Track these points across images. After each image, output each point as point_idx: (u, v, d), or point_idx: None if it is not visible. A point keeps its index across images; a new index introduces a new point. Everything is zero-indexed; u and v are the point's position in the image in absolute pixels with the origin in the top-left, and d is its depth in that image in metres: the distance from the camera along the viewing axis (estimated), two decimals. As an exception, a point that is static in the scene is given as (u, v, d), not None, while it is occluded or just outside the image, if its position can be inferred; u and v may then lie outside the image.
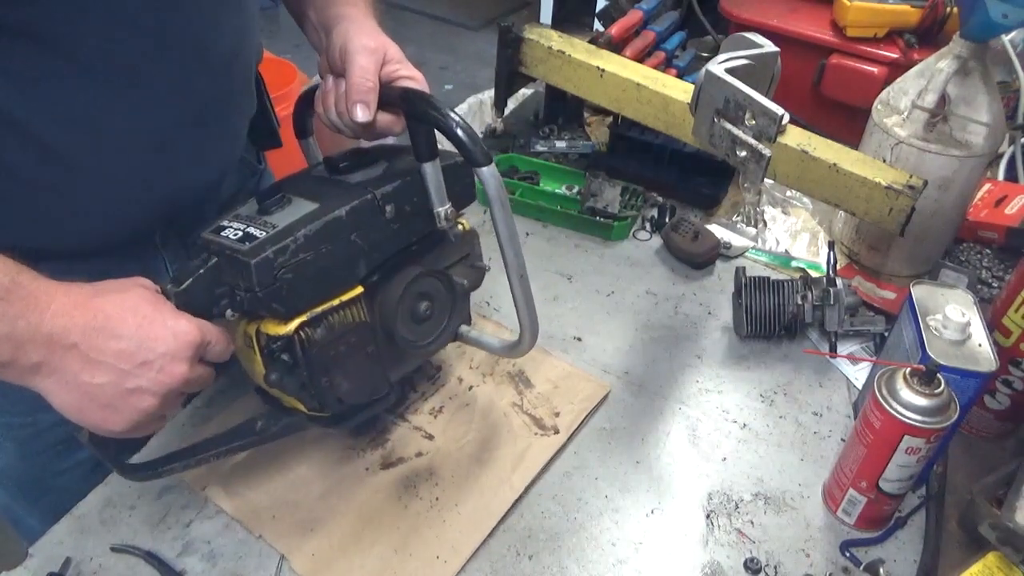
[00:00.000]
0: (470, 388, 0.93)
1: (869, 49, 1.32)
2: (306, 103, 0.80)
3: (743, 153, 0.87)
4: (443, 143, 0.69)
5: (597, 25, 1.38)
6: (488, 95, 1.44)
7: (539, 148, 1.32)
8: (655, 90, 1.04)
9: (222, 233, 0.67)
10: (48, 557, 0.74)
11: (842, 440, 0.89)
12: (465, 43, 4.38)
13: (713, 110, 0.90)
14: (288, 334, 0.67)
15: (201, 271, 0.65)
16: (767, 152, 0.84)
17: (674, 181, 1.25)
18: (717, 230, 1.16)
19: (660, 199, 1.24)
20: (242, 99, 0.86)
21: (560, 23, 1.28)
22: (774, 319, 0.98)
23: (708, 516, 0.80)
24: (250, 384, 0.77)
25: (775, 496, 0.82)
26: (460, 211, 0.76)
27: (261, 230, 0.65)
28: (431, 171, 0.70)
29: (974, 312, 0.77)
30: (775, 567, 0.76)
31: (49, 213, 0.73)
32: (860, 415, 0.75)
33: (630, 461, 0.86)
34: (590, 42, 1.14)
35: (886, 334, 0.96)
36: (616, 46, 1.23)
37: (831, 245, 1.01)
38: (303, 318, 0.67)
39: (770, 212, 1.24)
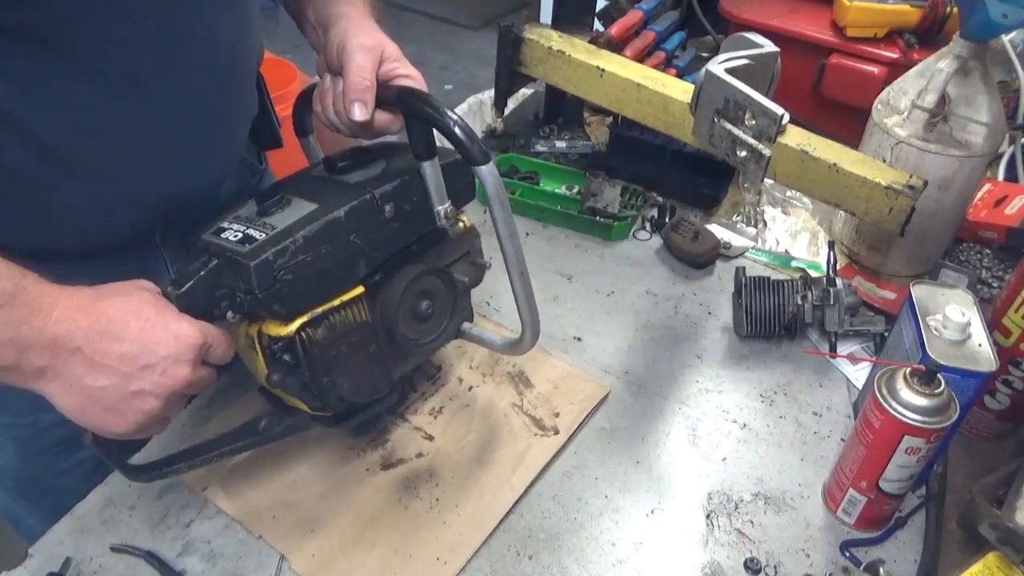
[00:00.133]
0: (470, 388, 0.93)
1: (869, 49, 1.32)
2: (305, 102, 0.80)
3: (743, 153, 0.87)
4: (442, 141, 0.69)
5: (597, 25, 1.38)
6: (488, 95, 1.44)
7: (539, 148, 1.32)
8: (655, 90, 1.04)
9: (222, 235, 0.67)
10: (48, 557, 0.74)
11: (842, 440, 0.89)
12: (465, 43, 4.38)
13: (713, 110, 0.90)
14: (289, 335, 0.67)
15: (201, 273, 0.65)
16: (767, 152, 0.84)
17: (674, 181, 1.24)
18: (717, 230, 1.16)
19: (660, 199, 1.24)
20: (243, 100, 0.86)
21: (560, 23, 1.28)
22: (774, 319, 0.98)
23: (708, 516, 0.80)
24: (253, 384, 0.77)
25: (775, 496, 0.82)
26: (460, 209, 0.75)
27: (261, 232, 0.65)
28: (430, 170, 0.70)
29: (974, 312, 0.77)
30: (775, 567, 0.76)
31: (49, 213, 0.73)
32: (860, 415, 0.75)
33: (630, 461, 0.86)
34: (590, 42, 1.14)
35: (886, 334, 0.96)
36: (616, 46, 1.23)
37: (831, 245, 1.01)
38: (304, 319, 0.67)
39: (770, 212, 1.24)
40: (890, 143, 1.01)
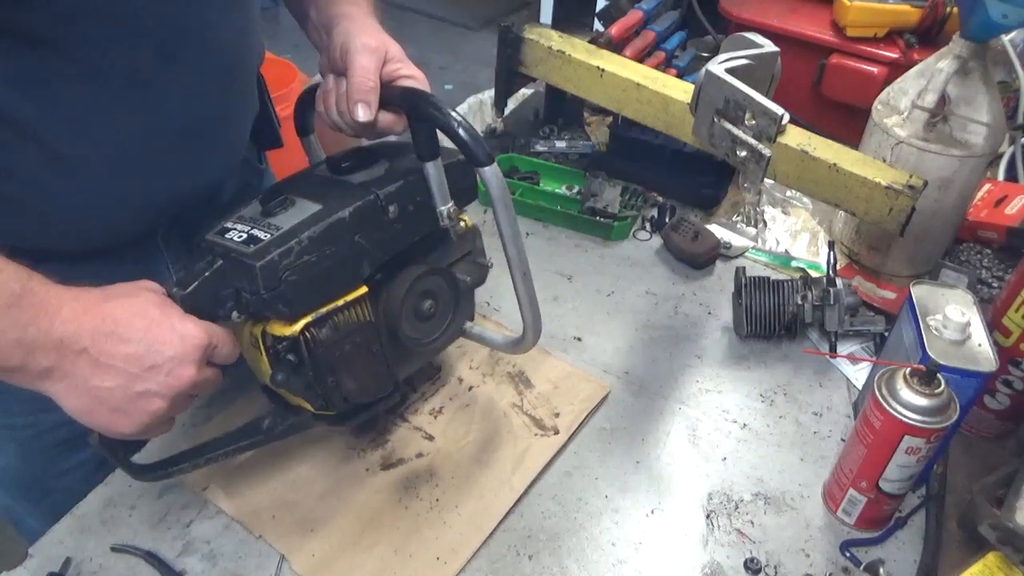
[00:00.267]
0: (470, 389, 0.93)
1: (869, 49, 1.32)
2: (307, 102, 0.80)
3: (743, 153, 0.87)
4: (443, 141, 0.69)
5: (597, 25, 1.38)
6: (488, 95, 1.44)
7: (539, 148, 1.32)
8: (655, 90, 1.04)
9: (226, 235, 0.67)
10: (48, 557, 0.74)
11: (842, 440, 0.89)
12: (465, 43, 4.38)
13: (713, 110, 0.90)
14: (294, 335, 0.67)
15: (206, 274, 0.65)
16: (767, 152, 0.84)
17: (674, 181, 1.25)
18: (717, 230, 1.17)
19: (660, 199, 1.24)
20: (245, 101, 0.86)
21: (560, 23, 1.28)
22: (774, 319, 0.98)
23: (708, 516, 0.80)
24: (255, 384, 0.77)
25: (775, 496, 0.82)
26: (462, 208, 0.76)
27: (265, 232, 0.66)
28: (433, 170, 0.70)
29: (974, 312, 0.77)
30: (775, 567, 0.76)
31: (50, 214, 0.73)
32: (860, 415, 0.75)
33: (630, 461, 0.86)
34: (590, 42, 1.14)
35: (886, 334, 0.96)
36: (616, 46, 1.23)
37: (831, 245, 1.01)
38: (308, 319, 0.67)
39: (770, 212, 1.24)
40: (890, 143, 1.01)
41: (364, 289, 0.71)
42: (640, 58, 1.26)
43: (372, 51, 0.73)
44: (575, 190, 1.25)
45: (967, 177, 1.00)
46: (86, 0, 0.62)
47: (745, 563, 0.76)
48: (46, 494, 0.92)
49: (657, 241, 1.18)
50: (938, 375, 0.69)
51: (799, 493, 0.83)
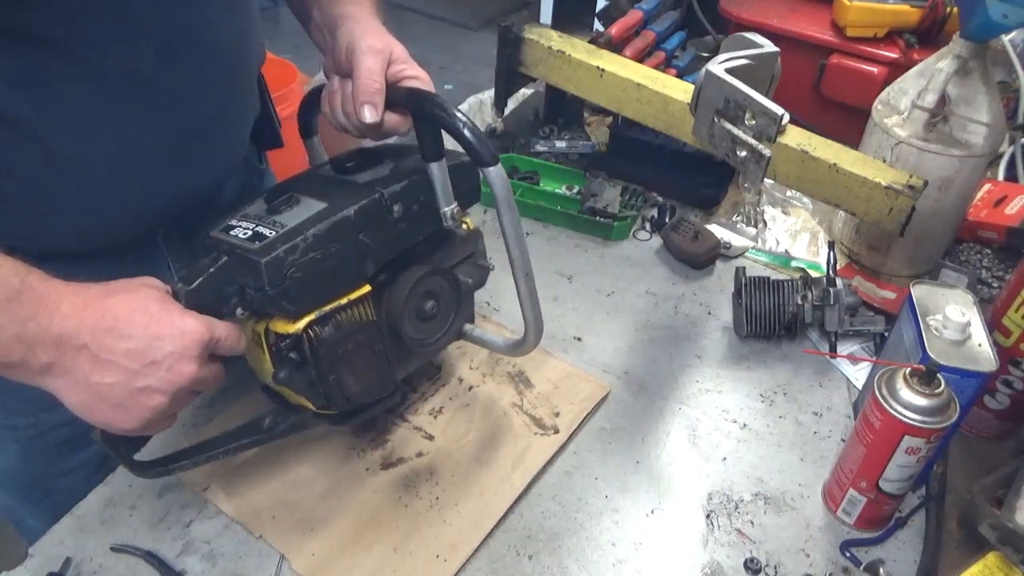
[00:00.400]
0: (470, 388, 0.93)
1: (869, 49, 1.32)
2: (312, 103, 0.81)
3: (743, 153, 0.87)
4: (447, 142, 0.69)
5: (597, 25, 1.38)
6: (488, 95, 1.44)
7: (539, 148, 1.32)
8: (655, 90, 1.04)
9: (231, 232, 0.67)
10: (48, 557, 0.74)
11: (842, 440, 0.89)
12: (465, 43, 4.38)
13: (713, 110, 0.90)
14: (297, 332, 0.67)
15: (211, 270, 0.65)
16: (767, 152, 0.84)
17: (674, 181, 1.25)
18: (717, 230, 1.17)
19: (660, 199, 1.24)
20: (245, 101, 0.86)
21: (560, 23, 1.28)
22: (774, 319, 0.98)
23: (708, 516, 0.80)
24: (257, 383, 0.77)
25: (775, 496, 0.82)
26: (465, 210, 0.76)
27: (270, 229, 0.66)
28: (437, 171, 0.70)
29: (974, 312, 0.77)
30: (775, 567, 0.76)
31: (51, 214, 0.73)
32: (860, 415, 0.75)
33: (630, 461, 0.86)
34: (590, 42, 1.14)
35: (886, 334, 0.96)
36: (616, 46, 1.23)
37: (831, 245, 1.01)
38: (312, 316, 0.67)
39: (770, 212, 1.24)
40: (890, 143, 1.01)
41: (367, 288, 0.71)
42: (640, 58, 1.26)
43: (377, 52, 0.73)
44: (575, 190, 1.25)
45: (967, 177, 1.00)
46: (86, 0, 0.62)
47: (745, 563, 0.76)
48: (47, 494, 0.92)
49: (657, 241, 1.18)
50: (938, 375, 0.69)
51: (799, 493, 0.83)
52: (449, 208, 0.72)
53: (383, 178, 0.73)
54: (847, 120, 1.21)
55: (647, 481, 0.84)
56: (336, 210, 0.67)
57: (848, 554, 0.77)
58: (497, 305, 1.05)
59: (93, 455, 0.91)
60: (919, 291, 0.80)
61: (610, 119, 1.37)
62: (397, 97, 0.73)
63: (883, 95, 1.05)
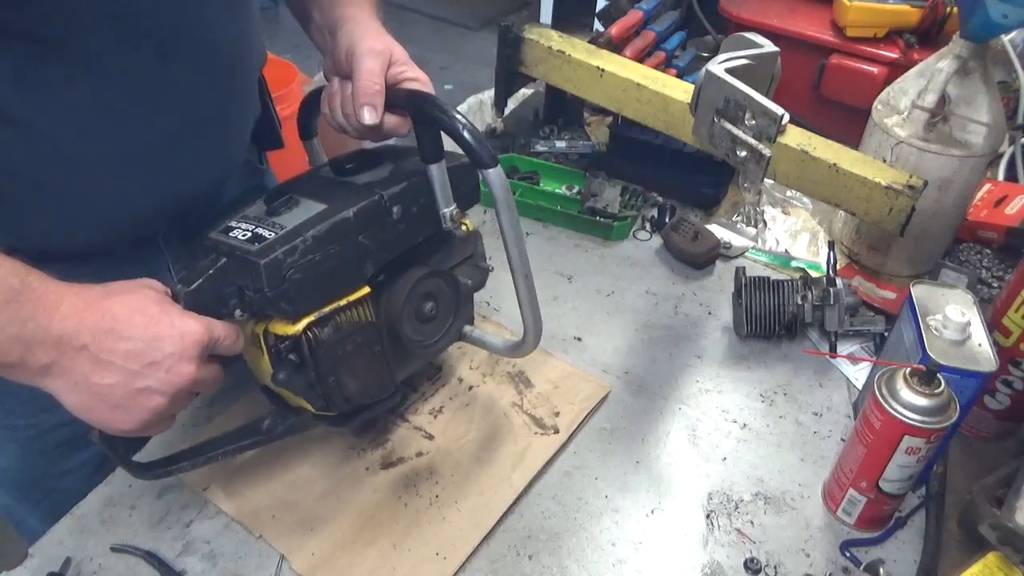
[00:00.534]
0: (470, 388, 0.93)
1: (869, 49, 1.32)
2: (312, 105, 0.81)
3: (743, 153, 0.87)
4: (447, 143, 0.69)
5: (597, 25, 1.38)
6: (488, 95, 1.44)
7: (539, 148, 1.32)
8: (655, 90, 1.04)
9: (231, 234, 0.67)
10: (48, 557, 0.74)
11: (842, 440, 0.89)
12: (465, 43, 4.38)
13: (713, 110, 0.90)
14: (296, 334, 0.67)
15: (211, 271, 0.65)
16: (767, 152, 0.84)
17: (674, 181, 1.25)
18: (717, 230, 1.17)
19: (660, 199, 1.24)
20: (245, 102, 0.86)
21: (560, 23, 1.28)
22: (774, 319, 0.98)
23: (708, 516, 0.80)
24: (256, 384, 0.77)
25: (775, 496, 0.82)
26: (464, 211, 0.76)
27: (270, 231, 0.66)
28: (437, 172, 0.70)
29: (974, 312, 0.77)
30: (775, 567, 0.76)
31: (53, 214, 0.73)
32: (860, 415, 0.75)
33: (630, 461, 0.86)
34: (590, 42, 1.14)
35: (886, 334, 0.96)
36: (616, 46, 1.23)
37: (831, 245, 1.01)
38: (311, 318, 0.67)
39: (770, 212, 1.24)
40: (890, 143, 1.01)
41: (367, 289, 0.71)
42: (640, 58, 1.26)
43: (377, 54, 0.73)
44: (575, 190, 1.25)
45: (967, 177, 1.00)
46: (86, 0, 0.62)
47: (745, 563, 0.76)
48: (46, 494, 0.92)
49: (657, 241, 1.18)
50: (938, 375, 0.69)
51: (799, 493, 0.83)
52: (448, 210, 0.72)
53: (382, 180, 0.73)
54: (847, 120, 1.21)
55: (647, 481, 0.84)
56: (335, 212, 0.67)
57: (848, 554, 0.77)
58: (497, 305, 1.05)
59: (93, 455, 0.91)
60: (919, 291, 0.80)
61: (610, 119, 1.37)
62: (397, 99, 0.73)
63: (883, 95, 1.05)
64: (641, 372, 0.97)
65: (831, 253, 0.99)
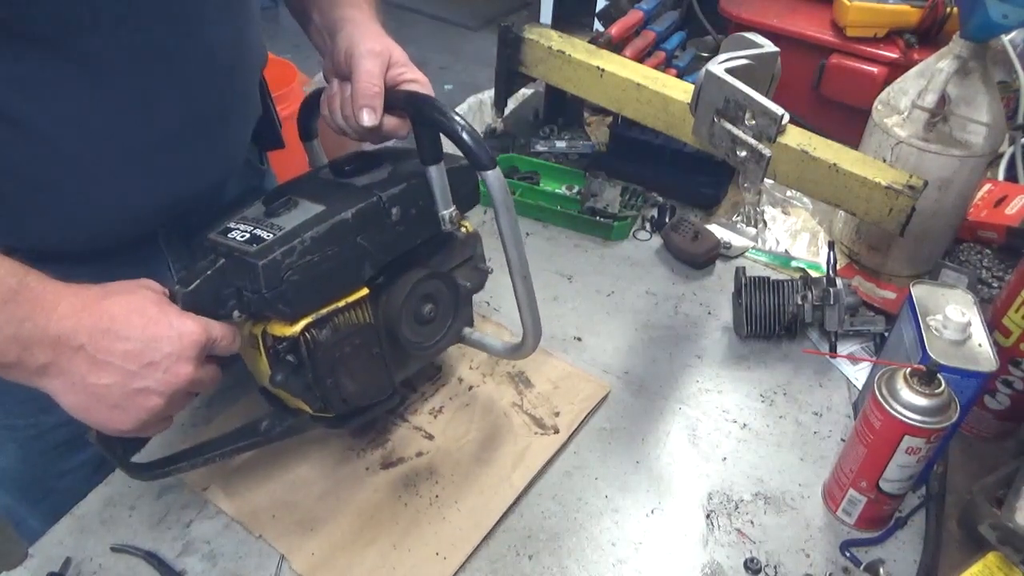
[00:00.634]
0: (470, 388, 0.93)
1: (869, 49, 1.32)
2: (312, 106, 0.81)
3: (743, 153, 0.87)
4: (447, 146, 0.69)
5: (597, 25, 1.38)
6: (488, 95, 1.44)
7: (539, 148, 1.32)
8: (655, 90, 1.04)
9: (229, 235, 0.67)
10: (48, 557, 0.74)
11: (842, 440, 0.89)
12: (465, 43, 4.38)
13: (713, 110, 0.90)
14: (294, 335, 0.67)
15: (209, 272, 0.65)
16: (767, 152, 0.84)
17: (674, 181, 1.24)
18: (717, 230, 1.17)
19: (660, 199, 1.24)
20: (246, 104, 0.86)
21: (560, 23, 1.28)
22: (774, 319, 0.98)
23: (708, 516, 0.80)
24: (254, 385, 0.77)
25: (775, 496, 0.82)
26: (464, 214, 0.76)
27: (268, 232, 0.66)
28: (436, 174, 0.70)
29: (974, 312, 0.77)
30: (775, 567, 0.76)
31: (53, 214, 0.73)
32: (860, 415, 0.75)
33: (630, 461, 0.86)
34: (590, 42, 1.14)
35: (886, 334, 0.96)
36: (616, 46, 1.23)
37: (831, 245, 1.01)
38: (309, 319, 0.67)
39: (770, 212, 1.24)
40: (890, 143, 1.01)
41: (365, 291, 0.71)
42: (640, 58, 1.26)
43: (377, 56, 0.73)
44: (575, 190, 1.25)
45: (967, 177, 1.00)
46: (86, 1, 0.62)
47: (745, 563, 0.76)
48: (46, 494, 0.92)
49: (657, 241, 1.18)
50: (938, 375, 0.69)
51: (799, 493, 0.83)
52: (448, 211, 0.72)
53: (381, 181, 0.73)
54: (847, 120, 1.21)
55: (647, 481, 0.84)
56: (334, 213, 0.67)
57: (848, 554, 0.77)
58: (497, 305, 1.05)
59: (93, 455, 0.91)
60: (919, 291, 0.80)
61: (610, 119, 1.37)
62: (396, 100, 0.73)
63: (883, 95, 1.05)
64: (641, 372, 0.97)
65: (831, 253, 0.99)
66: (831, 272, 0.98)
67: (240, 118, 0.86)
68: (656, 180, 1.25)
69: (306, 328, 0.67)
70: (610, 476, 0.84)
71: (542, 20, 1.27)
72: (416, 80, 0.75)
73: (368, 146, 0.80)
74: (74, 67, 0.64)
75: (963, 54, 0.95)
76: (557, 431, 0.87)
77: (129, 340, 0.59)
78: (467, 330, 0.84)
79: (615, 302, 1.07)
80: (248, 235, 0.66)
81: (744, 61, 0.91)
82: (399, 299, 0.74)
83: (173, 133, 0.74)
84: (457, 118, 0.66)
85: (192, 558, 0.75)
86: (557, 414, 0.89)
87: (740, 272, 1.01)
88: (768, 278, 1.00)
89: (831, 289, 0.97)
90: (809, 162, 0.95)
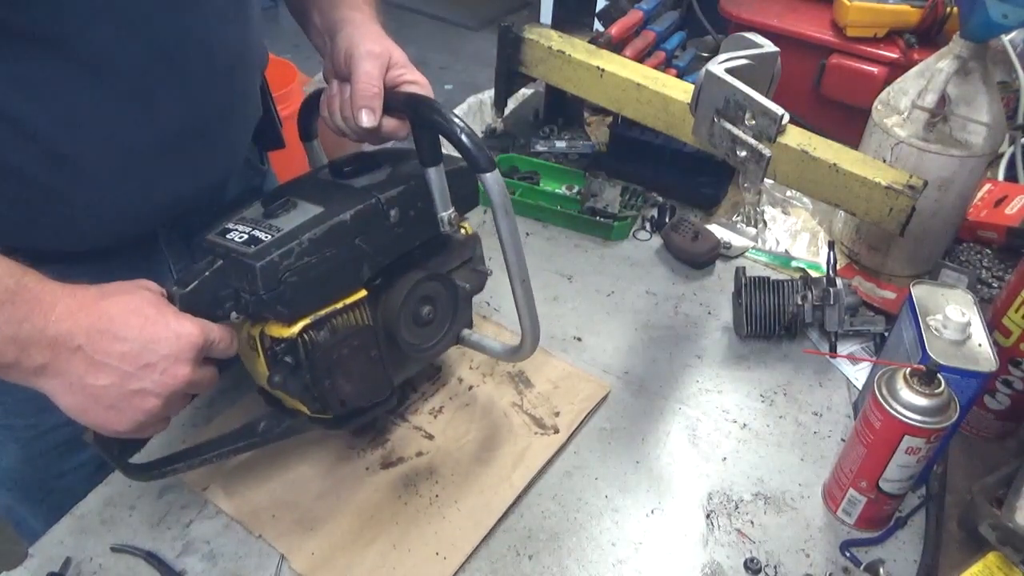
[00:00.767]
0: (470, 388, 0.93)
1: (869, 49, 1.32)
2: (311, 107, 0.81)
3: (743, 153, 0.87)
4: (446, 147, 0.69)
5: (597, 25, 1.38)
6: (488, 95, 1.44)
7: (539, 148, 1.32)
8: (655, 90, 1.04)
9: (227, 236, 0.67)
10: (48, 557, 0.74)
11: (842, 440, 0.89)
12: (465, 43, 4.38)
13: (713, 110, 0.90)
14: (292, 337, 0.67)
15: (207, 273, 0.65)
16: (767, 152, 0.84)
17: (674, 181, 1.24)
18: (717, 230, 1.16)
19: (660, 199, 1.24)
20: (246, 104, 0.86)
21: (560, 23, 1.28)
22: (774, 319, 0.98)
23: (708, 516, 0.80)
24: (252, 386, 0.77)
25: (775, 496, 0.82)
26: (463, 215, 0.76)
27: (266, 233, 0.66)
28: (435, 176, 0.70)
29: (974, 312, 0.77)
30: (775, 567, 0.76)
31: (54, 215, 0.73)
32: (860, 415, 0.75)
33: (630, 461, 0.86)
34: (590, 42, 1.14)
35: (886, 334, 0.96)
36: (616, 46, 1.23)
37: (831, 245, 1.01)
38: (307, 321, 0.67)
39: (770, 212, 1.24)
40: (890, 143, 1.01)
41: (363, 292, 0.71)
42: (640, 58, 1.26)
43: (376, 57, 0.73)
44: (575, 190, 1.25)
45: (967, 177, 1.00)
46: (87, 1, 0.62)
47: (745, 563, 0.76)
48: (47, 494, 0.92)
49: (657, 241, 1.18)
50: (938, 375, 0.69)
51: (799, 493, 0.83)
52: (447, 213, 0.72)
53: (380, 183, 0.73)
54: (847, 120, 1.21)
55: (647, 481, 0.84)
56: (332, 214, 0.67)
57: (848, 554, 0.77)
58: (497, 305, 1.05)
59: (93, 455, 0.91)
60: (919, 291, 0.80)
61: (610, 119, 1.37)
62: (395, 102, 0.73)
63: (883, 95, 1.05)
64: (641, 372, 0.97)
65: (831, 253, 0.99)
66: (831, 272, 0.98)
67: (241, 118, 0.86)
68: (656, 180, 1.25)
69: (304, 330, 0.67)
70: (610, 476, 0.84)
71: (542, 20, 1.27)
72: (416, 82, 0.75)
73: (367, 147, 0.80)
74: (74, 67, 0.64)
75: (963, 54, 0.95)
76: (557, 431, 0.87)
77: (127, 341, 0.59)
78: (466, 332, 0.84)
79: (615, 302, 1.07)
80: (246, 236, 0.66)
81: (744, 61, 0.91)
82: (398, 301, 0.74)
83: (173, 133, 0.74)
84: (456, 120, 0.66)
85: (192, 558, 0.75)
86: (557, 414, 0.89)
87: (740, 272, 1.01)
88: (768, 278, 1.00)
89: (831, 289, 0.97)
90: (809, 162, 0.95)
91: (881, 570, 0.73)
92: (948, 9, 1.28)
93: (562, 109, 1.35)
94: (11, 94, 0.63)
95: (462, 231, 0.79)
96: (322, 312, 0.68)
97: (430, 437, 0.87)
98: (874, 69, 1.31)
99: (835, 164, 0.94)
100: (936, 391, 0.68)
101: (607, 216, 1.17)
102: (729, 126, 0.88)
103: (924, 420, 0.68)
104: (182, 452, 0.73)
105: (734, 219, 1.22)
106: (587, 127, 1.40)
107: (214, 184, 0.85)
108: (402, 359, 0.80)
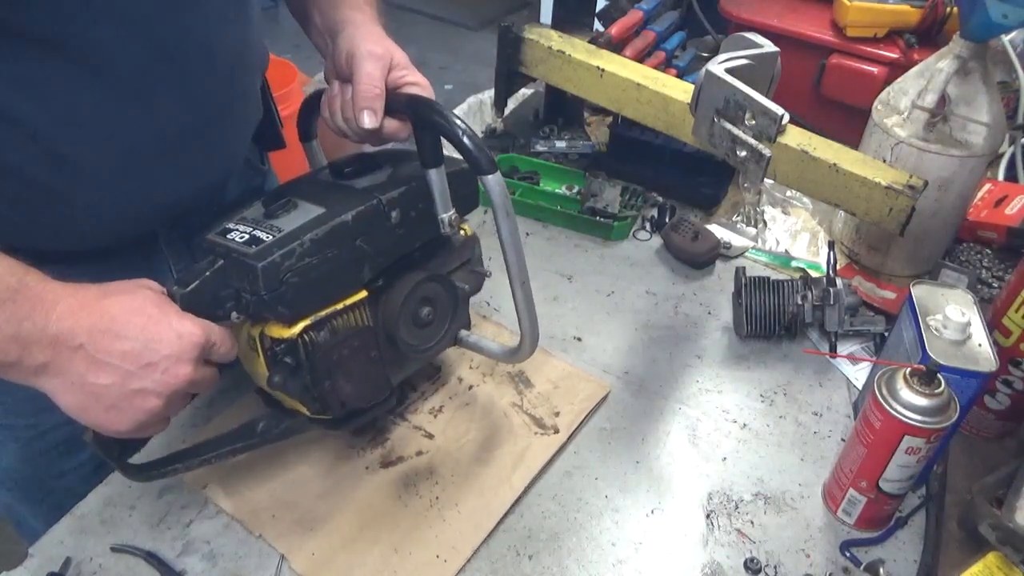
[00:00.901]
0: (470, 388, 0.93)
1: (869, 49, 1.32)
2: (312, 107, 0.81)
3: (743, 153, 0.87)
4: (447, 148, 0.69)
5: (597, 25, 1.38)
6: (488, 95, 1.44)
7: (539, 148, 1.32)
8: (655, 90, 1.04)
9: (228, 236, 0.67)
10: (48, 557, 0.74)
11: (842, 440, 0.89)
12: (465, 43, 4.38)
13: (713, 110, 0.90)
14: (292, 337, 0.67)
15: (207, 273, 0.65)
16: (767, 152, 0.84)
17: (674, 181, 1.25)
18: (717, 230, 1.17)
19: (660, 199, 1.24)
20: (247, 104, 0.86)
21: (560, 23, 1.28)
22: (774, 319, 0.98)
23: (708, 516, 0.80)
24: (252, 386, 0.77)
25: (775, 496, 0.82)
26: (463, 217, 0.76)
27: (267, 234, 0.66)
28: (436, 177, 0.70)
29: (974, 312, 0.77)
30: (775, 567, 0.76)
31: (54, 215, 0.73)
32: (860, 415, 0.75)
33: (630, 461, 0.86)
34: (590, 42, 1.14)
35: (886, 334, 0.96)
36: (616, 46, 1.23)
37: (831, 245, 1.01)
38: (307, 321, 0.67)
39: (770, 212, 1.24)
40: (890, 143, 1.01)
41: (363, 293, 0.71)
42: (640, 58, 1.26)
43: (378, 58, 0.73)
44: (575, 190, 1.25)
45: (967, 177, 1.00)
46: (87, 1, 0.62)
47: (745, 563, 0.76)
48: (47, 494, 0.92)
49: (657, 241, 1.18)
50: (938, 375, 0.69)
51: (799, 493, 0.83)
52: (447, 215, 0.72)
53: (381, 184, 0.73)
54: (847, 120, 1.21)
55: (647, 481, 0.84)
56: (334, 215, 0.67)
57: (848, 554, 0.77)
58: (497, 305, 1.05)
59: (92, 455, 0.90)
60: (919, 291, 0.80)
61: (610, 119, 1.37)
62: (397, 103, 0.73)
63: (883, 95, 1.05)
64: (641, 372, 0.97)
65: (831, 253, 0.99)
66: (831, 272, 0.98)
67: (241, 119, 0.86)
68: (656, 180, 1.25)
69: (304, 330, 0.67)
70: (610, 476, 0.84)
71: (542, 20, 1.27)
72: (417, 83, 0.75)
73: (368, 148, 0.80)
74: (74, 67, 0.64)
75: (963, 54, 0.95)
76: (557, 431, 0.87)
77: (128, 340, 0.59)
78: (464, 332, 0.84)
79: (615, 302, 1.07)
80: (247, 236, 0.66)
81: (744, 61, 0.91)
82: (397, 302, 0.74)
83: (174, 133, 0.74)
84: (458, 122, 0.66)
85: (192, 558, 0.75)
86: (557, 414, 0.89)
87: (740, 272, 1.01)
88: (768, 278, 1.00)
89: (831, 289, 0.97)
90: (809, 162, 0.95)
91: (881, 570, 0.73)
92: (948, 9, 1.28)
93: (562, 109, 1.35)
94: (11, 94, 0.63)
95: (462, 232, 0.79)
96: (322, 313, 0.68)
97: (430, 436, 0.87)
98: (874, 69, 1.31)
99: (835, 164, 0.94)
100: (936, 391, 0.68)
101: (607, 216, 1.17)
102: (729, 126, 0.88)
103: (924, 420, 0.68)
104: (181, 452, 0.73)
105: (734, 219, 1.22)
106: (587, 127, 1.40)
107: (214, 184, 0.85)
108: (401, 359, 0.80)
